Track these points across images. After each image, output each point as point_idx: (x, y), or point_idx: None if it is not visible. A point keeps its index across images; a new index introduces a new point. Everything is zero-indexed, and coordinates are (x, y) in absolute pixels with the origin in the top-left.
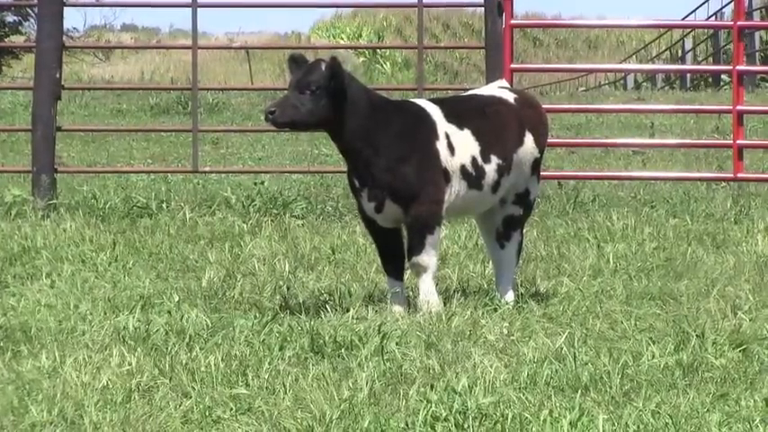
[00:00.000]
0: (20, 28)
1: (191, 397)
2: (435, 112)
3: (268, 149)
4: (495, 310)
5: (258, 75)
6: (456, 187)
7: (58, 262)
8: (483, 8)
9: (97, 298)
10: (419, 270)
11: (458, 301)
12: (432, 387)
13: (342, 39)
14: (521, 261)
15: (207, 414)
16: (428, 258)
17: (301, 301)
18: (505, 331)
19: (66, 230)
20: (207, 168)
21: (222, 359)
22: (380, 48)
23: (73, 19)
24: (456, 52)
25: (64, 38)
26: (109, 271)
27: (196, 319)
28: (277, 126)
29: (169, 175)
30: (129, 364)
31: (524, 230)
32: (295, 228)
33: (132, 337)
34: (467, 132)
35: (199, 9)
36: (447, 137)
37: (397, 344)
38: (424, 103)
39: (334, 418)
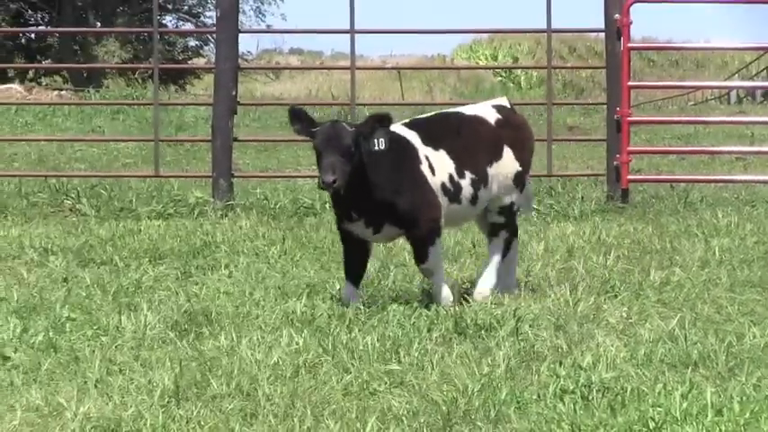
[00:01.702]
0: (201, 51)
1: (350, 372)
2: (414, 138)
3: None
4: (616, 296)
5: (408, 91)
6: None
7: (235, 255)
8: (604, 33)
9: (269, 286)
10: (428, 273)
11: (583, 289)
12: (560, 364)
13: (480, 60)
14: (511, 259)
15: (365, 387)
16: (433, 263)
17: None
18: (625, 315)
19: (241, 227)
20: None
21: (378, 339)
22: (515, 68)
23: (247, 44)
24: (581, 71)
25: (239, 60)
26: (279, 263)
27: (354, 305)
28: (337, 190)
29: None
30: (297, 344)
31: (513, 233)
32: None
33: (299, 320)
34: (442, 152)
35: (356, 35)
36: (427, 159)
37: (530, 326)
38: (402, 130)
39: (475, 390)
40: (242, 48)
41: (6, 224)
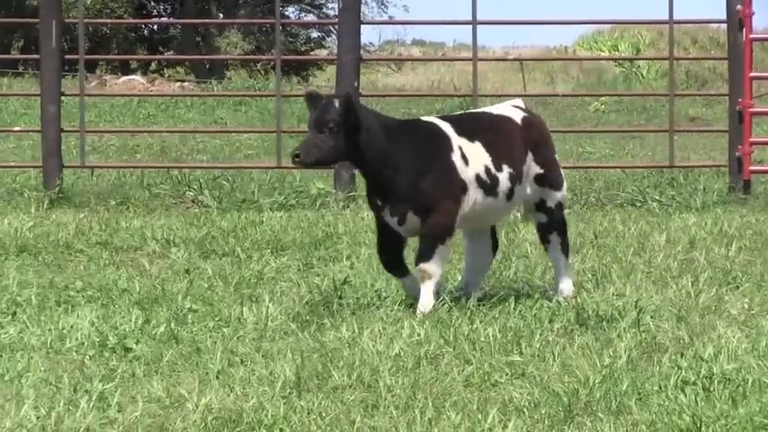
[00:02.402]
0: (323, 43)
1: (472, 363)
2: (447, 128)
3: None
4: (738, 287)
5: (530, 83)
6: (473, 196)
7: (357, 246)
8: (726, 24)
9: (390, 277)
10: (424, 276)
11: (704, 280)
12: (682, 355)
13: (602, 51)
14: (569, 257)
15: (486, 378)
16: (435, 267)
17: None
18: (746, 306)
19: (363, 219)
20: None
21: (499, 330)
22: (636, 59)
23: (369, 35)
24: (704, 62)
25: (361, 51)
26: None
27: (475, 295)
28: (304, 166)
29: None
30: (419, 335)
31: (564, 232)
32: None
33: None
34: (477, 144)
35: (478, 26)
36: (460, 149)
37: (651, 317)
38: (435, 120)
39: (596, 382)
40: (364, 39)
41: (129, 215)
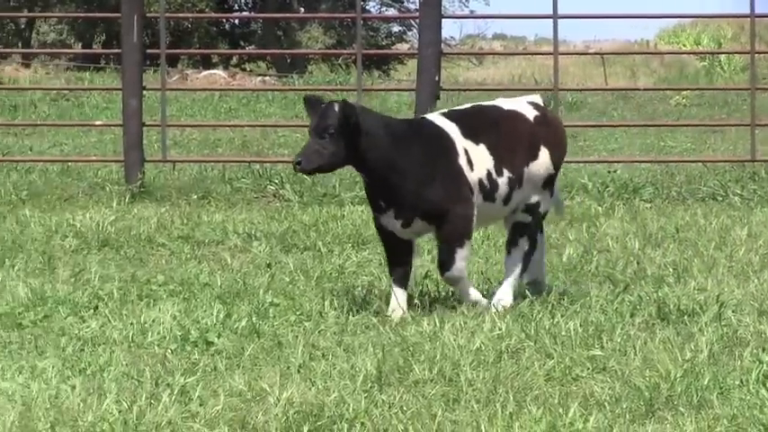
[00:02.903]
0: (404, 37)
1: (553, 358)
2: (452, 129)
3: (620, 141)
4: None
5: (611, 77)
6: (475, 201)
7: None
8: None
9: (472, 271)
10: (452, 282)
11: None
12: (763, 349)
13: (683, 45)
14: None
15: (567, 373)
16: (458, 272)
17: (649, 274)
18: None
19: None
20: (567, 159)
21: (580, 324)
22: (718, 53)
23: (450, 29)
24: None
25: (442, 45)
26: (482, 248)
27: (556, 290)
28: (306, 174)
29: None
30: (500, 329)
31: (535, 239)
32: (644, 210)
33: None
34: (482, 147)
35: (559, 20)
36: (466, 152)
37: (732, 311)
38: (440, 120)
39: (677, 376)
40: (445, 33)
41: (210, 209)
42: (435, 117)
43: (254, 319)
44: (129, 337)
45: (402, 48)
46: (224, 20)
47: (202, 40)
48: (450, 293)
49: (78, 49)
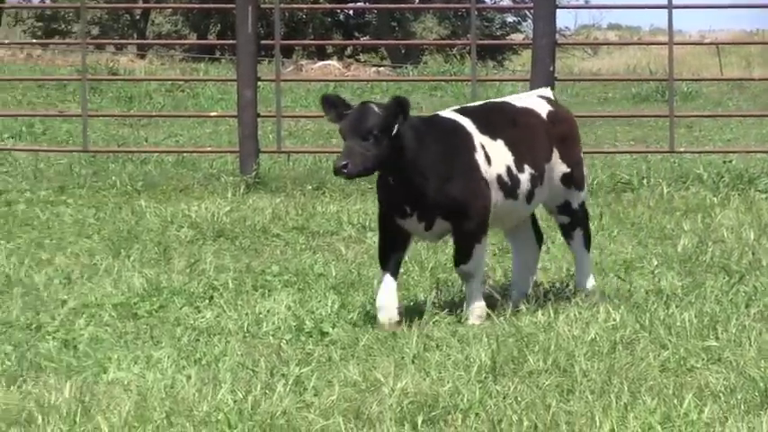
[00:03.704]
0: (518, 27)
1: (668, 348)
2: (469, 125)
3: (736, 132)
4: None
5: (727, 66)
6: (493, 198)
7: (552, 231)
8: None
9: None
10: (466, 277)
11: None
12: None
13: None
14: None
15: (682, 363)
16: (474, 266)
17: (764, 264)
18: None
19: None
20: (682, 149)
21: (695, 315)
22: None
23: (565, 19)
24: None
25: (557, 36)
26: (596, 238)
27: (672, 281)
28: (350, 178)
29: (648, 155)
30: (614, 320)
31: (587, 230)
32: (759, 200)
33: (617, 296)
34: (500, 143)
35: (674, 10)
36: (483, 148)
37: None
38: (456, 116)
39: None
40: (560, 23)
41: (325, 200)
42: (450, 113)
43: (368, 309)
44: (244, 327)
45: (517, 38)
46: (339, 11)
47: (317, 31)
48: (566, 285)
49: (193, 40)
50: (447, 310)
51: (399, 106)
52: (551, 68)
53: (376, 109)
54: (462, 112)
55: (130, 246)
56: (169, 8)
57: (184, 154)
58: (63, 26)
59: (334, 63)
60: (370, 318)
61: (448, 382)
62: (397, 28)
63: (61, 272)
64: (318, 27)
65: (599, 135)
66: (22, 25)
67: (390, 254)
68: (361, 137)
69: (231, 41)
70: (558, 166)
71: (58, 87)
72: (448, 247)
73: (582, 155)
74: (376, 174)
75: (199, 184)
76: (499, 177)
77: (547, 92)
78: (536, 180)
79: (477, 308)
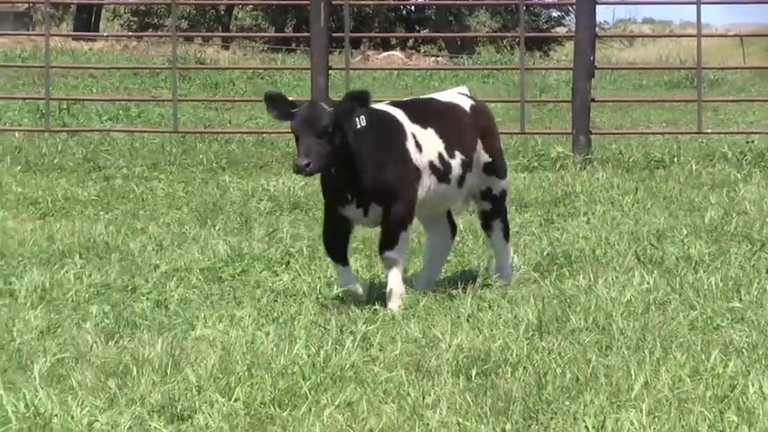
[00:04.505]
0: (562, 21)
1: (696, 309)
2: (400, 115)
3: (757, 115)
4: None
5: (749, 56)
6: (426, 182)
7: (592, 203)
8: None
9: (623, 232)
10: (390, 263)
11: None
12: None
13: None
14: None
15: (708, 323)
16: (398, 253)
17: None
18: None
19: (598, 179)
20: (709, 130)
21: (721, 279)
22: None
23: (604, 14)
24: None
25: (596, 29)
26: (632, 210)
27: (700, 248)
28: (312, 175)
29: (679, 135)
30: (648, 284)
31: (506, 222)
32: None
33: (650, 262)
34: (431, 131)
35: (702, 5)
36: (414, 137)
37: None
38: (389, 108)
39: None
40: (599, 18)
41: None
42: (383, 105)
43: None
44: (317, 289)
45: (560, 31)
46: (401, 6)
47: (382, 25)
48: (604, 253)
49: (272, 33)
50: (497, 275)
51: (354, 100)
52: (591, 58)
53: (326, 107)
54: (394, 104)
55: (215, 216)
56: (251, 4)
57: (264, 135)
58: (156, 20)
59: (397, 53)
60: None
61: (498, 338)
62: (454, 22)
63: (154, 240)
64: (383, 21)
65: (634, 118)
66: (120, 20)
67: (334, 243)
68: (316, 134)
69: (306, 34)
70: (482, 156)
71: (152, 75)
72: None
73: (501, 146)
74: None
75: (276, 162)
76: (431, 164)
77: (464, 89)
78: (466, 166)
79: (399, 294)
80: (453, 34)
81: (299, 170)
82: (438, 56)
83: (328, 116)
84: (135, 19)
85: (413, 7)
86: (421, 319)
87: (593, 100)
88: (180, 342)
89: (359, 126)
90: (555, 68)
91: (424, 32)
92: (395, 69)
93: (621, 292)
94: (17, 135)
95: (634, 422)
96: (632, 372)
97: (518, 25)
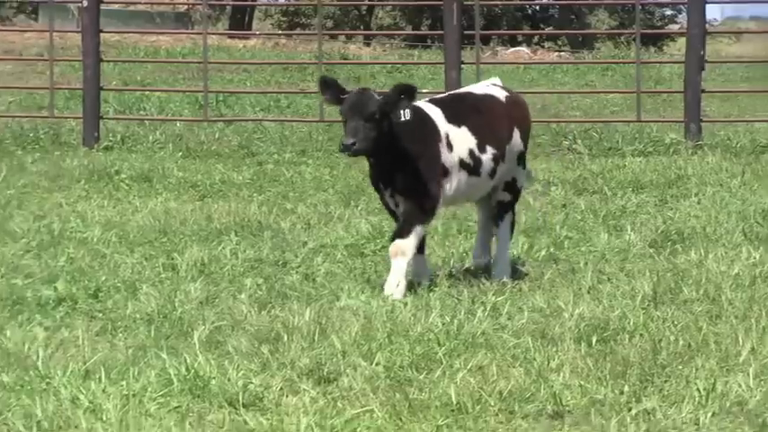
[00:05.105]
0: (675, 19)
1: None
2: (437, 114)
3: None
4: None
5: None
6: (456, 179)
7: (703, 185)
8: None
9: (731, 211)
10: (397, 252)
11: None
12: None
13: None
14: (513, 237)
15: None
16: (409, 245)
17: None
18: None
19: (708, 163)
20: None
21: None
22: None
23: (713, 12)
24: None
25: (707, 26)
26: (739, 192)
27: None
28: (357, 156)
29: None
30: (754, 258)
31: (515, 215)
32: None
33: (756, 239)
34: (464, 129)
35: None
36: (447, 136)
37: None
38: (427, 106)
39: None
40: (709, 15)
41: None
42: (423, 103)
43: (551, 249)
44: (450, 263)
45: (673, 28)
46: (527, 6)
47: (510, 23)
48: (713, 230)
49: (409, 30)
50: (617, 249)
51: (401, 93)
52: (702, 53)
53: (375, 95)
54: (433, 102)
55: (358, 198)
56: (390, 4)
57: None
58: (303, 20)
59: (523, 49)
60: (553, 256)
61: (617, 308)
62: (575, 20)
63: (302, 219)
64: (510, 19)
65: (741, 107)
66: (271, 19)
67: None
68: (363, 118)
69: (440, 32)
70: (517, 145)
71: (299, 70)
72: (617, 198)
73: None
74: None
75: None
76: (462, 161)
77: (497, 80)
78: (498, 158)
79: (397, 283)
80: (575, 31)
81: (344, 149)
82: (561, 51)
83: (376, 103)
84: (284, 19)
85: (538, 6)
86: (545, 290)
87: (703, 91)
88: (326, 311)
89: (402, 118)
90: (668, 62)
91: (548, 30)
92: (521, 64)
93: (730, 266)
94: (178, 125)
95: (741, 384)
96: (740, 339)
97: (634, 23)
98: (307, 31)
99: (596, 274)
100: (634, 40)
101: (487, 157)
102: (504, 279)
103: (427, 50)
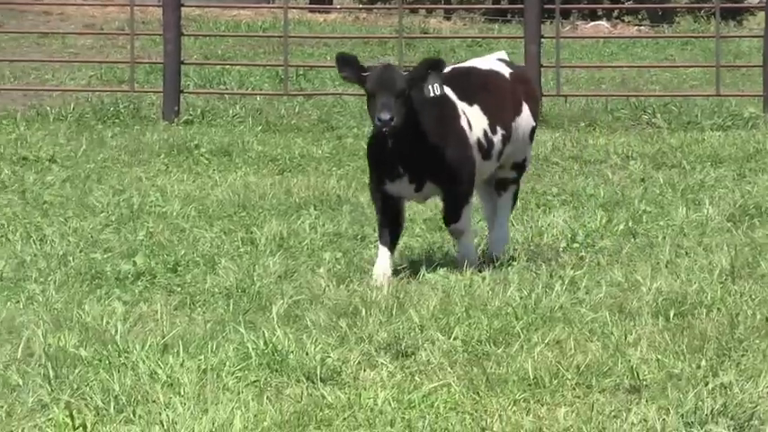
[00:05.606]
0: None
1: None
2: (450, 92)
3: None
4: None
5: None
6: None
7: None
8: None
9: None
10: (457, 234)
11: None
12: None
13: None
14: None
15: None
16: (463, 224)
17: None
18: None
19: None
20: None
21: None
22: None
23: None
24: None
25: None
26: None
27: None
28: (395, 131)
29: None
30: None
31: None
32: None
33: None
34: (476, 108)
35: None
36: (465, 114)
37: None
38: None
39: None
40: None
41: (595, 134)
42: None
43: (630, 223)
44: (529, 237)
45: (753, 2)
46: None
47: None
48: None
49: (489, 5)
50: (695, 224)
51: (429, 67)
52: None
53: (401, 71)
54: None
55: None
56: None
57: None
58: None
59: (603, 23)
60: (632, 230)
61: (694, 282)
62: None
63: None
64: None
65: None
66: None
67: (389, 230)
68: (394, 94)
69: (520, 6)
70: (529, 122)
71: (380, 44)
72: (696, 172)
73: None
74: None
75: None
76: (479, 141)
77: (503, 55)
78: (506, 139)
79: (472, 260)
80: (655, 5)
81: (383, 124)
82: (641, 25)
83: (404, 79)
84: None
85: None
86: (623, 265)
87: None
88: (404, 285)
89: (432, 94)
90: (748, 36)
91: (629, 4)
92: (601, 38)
93: None
94: (258, 99)
95: None
96: None
97: None
98: (387, 5)
99: (674, 249)
100: (714, 14)
101: (498, 138)
102: (495, 254)
103: (507, 25)
